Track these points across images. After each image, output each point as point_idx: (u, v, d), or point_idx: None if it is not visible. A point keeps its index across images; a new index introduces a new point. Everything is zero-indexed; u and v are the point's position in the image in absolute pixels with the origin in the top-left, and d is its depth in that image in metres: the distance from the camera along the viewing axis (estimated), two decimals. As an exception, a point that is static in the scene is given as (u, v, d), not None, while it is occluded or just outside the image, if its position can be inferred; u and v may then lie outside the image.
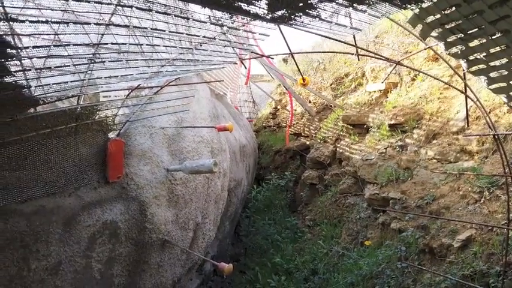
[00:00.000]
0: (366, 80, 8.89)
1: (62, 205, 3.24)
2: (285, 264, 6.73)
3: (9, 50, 2.13)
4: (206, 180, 5.27)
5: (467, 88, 3.70)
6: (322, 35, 3.15)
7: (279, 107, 12.23)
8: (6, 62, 2.22)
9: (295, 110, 10.93)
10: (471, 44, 2.60)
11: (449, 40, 2.63)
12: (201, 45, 3.22)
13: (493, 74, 2.86)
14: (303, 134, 10.41)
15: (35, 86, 2.70)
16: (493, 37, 2.42)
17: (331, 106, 9.62)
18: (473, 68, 2.87)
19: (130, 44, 2.97)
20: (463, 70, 3.23)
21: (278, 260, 6.76)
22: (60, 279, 3.21)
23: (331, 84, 10.02)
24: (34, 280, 2.99)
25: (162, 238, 4.26)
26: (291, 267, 6.67)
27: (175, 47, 3.30)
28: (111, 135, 3.95)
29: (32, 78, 2.58)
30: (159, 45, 3.22)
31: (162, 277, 4.48)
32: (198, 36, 3.02)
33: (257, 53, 6.27)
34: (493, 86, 3.01)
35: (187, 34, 3.00)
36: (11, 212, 2.85)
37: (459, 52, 2.72)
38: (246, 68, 10.84)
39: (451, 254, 4.62)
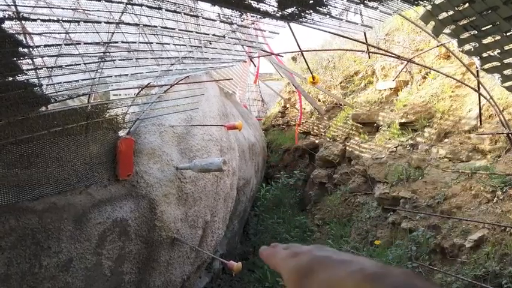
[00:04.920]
0: (376, 78, 8.81)
1: (72, 202, 3.27)
2: (294, 263, 6.70)
3: (21, 49, 2.15)
4: (215, 179, 5.27)
5: (481, 86, 3.65)
6: (332, 33, 3.13)
7: (288, 105, 12.19)
8: (18, 61, 2.24)
9: (304, 109, 10.88)
10: (485, 41, 2.56)
11: (462, 37, 2.59)
12: (210, 44, 3.22)
13: (507, 72, 2.81)
14: (312, 132, 10.36)
15: (47, 85, 2.72)
16: (508, 34, 2.37)
17: (340, 104, 9.55)
18: (487, 66, 2.82)
19: (140, 42, 2.98)
20: (476, 68, 3.18)
21: (287, 259, 6.74)
22: (71, 276, 3.24)
23: (340, 83, 9.96)
24: (46, 277, 3.02)
25: (171, 236, 4.28)
26: (300, 266, 6.64)
27: (185, 45, 3.30)
28: (121, 133, 3.97)
29: (43, 77, 2.60)
30: (168, 44, 3.22)
31: (171, 275, 4.49)
32: (208, 34, 3.02)
33: (266, 51, 6.25)
34: (507, 84, 2.95)
35: (196, 32, 3.00)
36: (22, 210, 2.88)
37: (472, 49, 2.67)
38: (255, 66, 10.83)
39: (462, 254, 4.56)
